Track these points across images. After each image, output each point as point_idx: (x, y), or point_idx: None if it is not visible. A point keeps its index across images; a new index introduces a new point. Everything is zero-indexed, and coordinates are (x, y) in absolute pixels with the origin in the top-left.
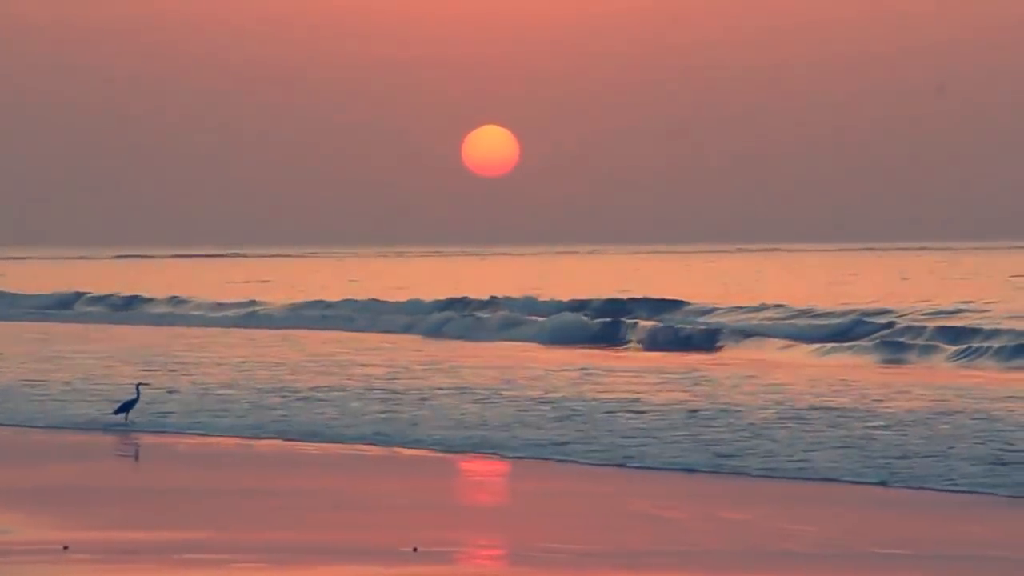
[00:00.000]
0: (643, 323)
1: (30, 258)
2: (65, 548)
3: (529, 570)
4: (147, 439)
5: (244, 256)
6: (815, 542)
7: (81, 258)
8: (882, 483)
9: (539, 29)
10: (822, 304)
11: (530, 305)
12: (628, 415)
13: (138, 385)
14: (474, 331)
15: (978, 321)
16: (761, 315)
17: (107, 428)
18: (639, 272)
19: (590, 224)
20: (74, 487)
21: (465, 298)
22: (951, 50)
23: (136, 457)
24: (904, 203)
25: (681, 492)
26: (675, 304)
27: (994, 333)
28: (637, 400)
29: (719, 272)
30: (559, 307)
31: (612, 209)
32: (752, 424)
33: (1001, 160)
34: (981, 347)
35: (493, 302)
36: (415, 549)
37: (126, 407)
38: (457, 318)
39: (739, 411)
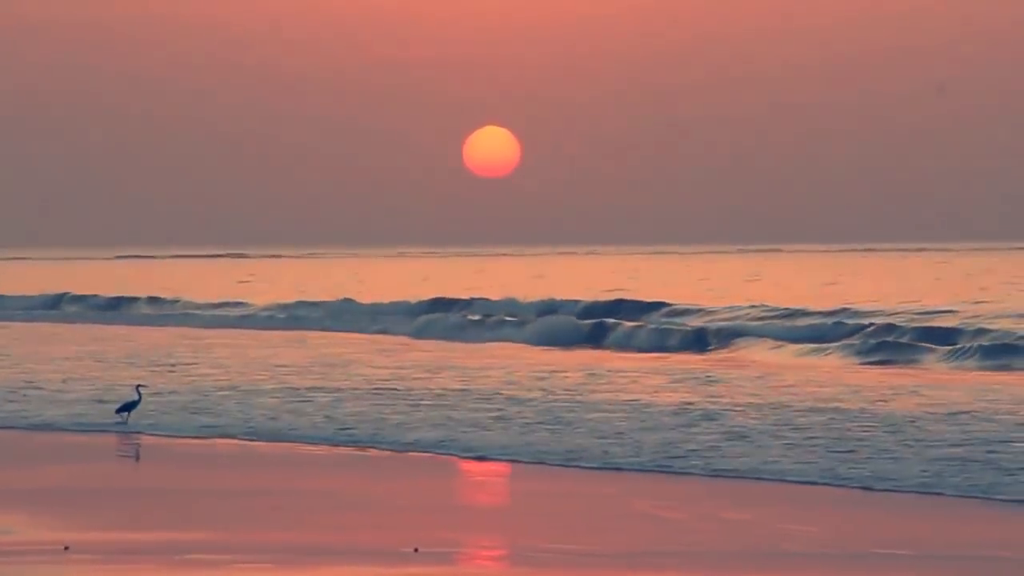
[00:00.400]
0: (631, 324)
1: (28, 259)
2: (66, 549)
3: (529, 570)
4: (147, 440)
5: (245, 256)
6: (814, 542)
7: (82, 259)
8: (866, 488)
9: (540, 30)
10: (813, 305)
11: (510, 307)
12: (613, 417)
13: (138, 387)
14: (464, 332)
15: (964, 322)
16: (751, 316)
17: (107, 429)
18: (636, 273)
19: (591, 225)
20: (75, 488)
21: (442, 299)
22: (951, 50)
23: (137, 458)
24: (905, 204)
25: (681, 493)
26: (662, 305)
27: (979, 333)
28: (621, 401)
29: (716, 273)
30: (538, 308)
31: (613, 210)
32: (740, 426)
33: (1002, 160)
34: (965, 348)
35: (472, 304)
36: (416, 549)
37: (128, 407)
38: (446, 319)
39: (723, 413)
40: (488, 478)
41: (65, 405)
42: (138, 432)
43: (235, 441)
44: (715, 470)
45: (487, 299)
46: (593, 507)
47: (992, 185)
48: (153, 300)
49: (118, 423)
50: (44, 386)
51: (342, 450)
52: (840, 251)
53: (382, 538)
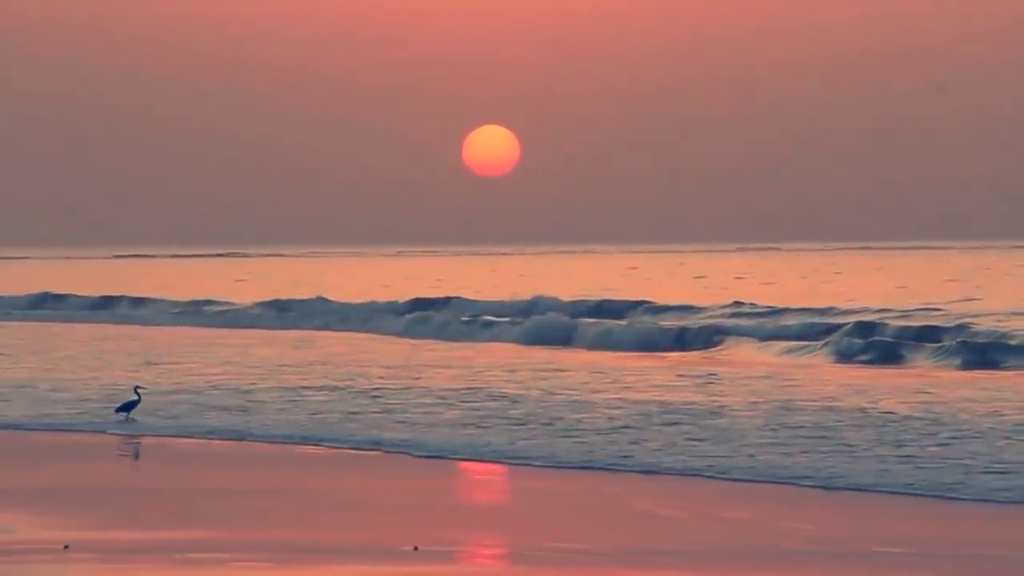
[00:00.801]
0: (616, 324)
1: (28, 258)
2: (66, 547)
3: (530, 569)
4: (147, 439)
5: (246, 256)
6: (815, 540)
7: (81, 258)
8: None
9: (540, 29)
10: (802, 303)
11: (493, 306)
12: (600, 417)
13: (136, 388)
14: (450, 332)
15: (951, 320)
16: (736, 315)
17: (107, 428)
18: (631, 272)
19: (591, 224)
20: (75, 487)
21: (427, 298)
22: (952, 49)
23: (136, 456)
24: (905, 202)
25: (682, 491)
26: (644, 303)
27: (965, 332)
28: (605, 401)
29: (712, 271)
30: (521, 308)
31: (613, 209)
32: (717, 426)
33: (1003, 159)
34: (948, 347)
35: (456, 304)
36: (416, 548)
37: (127, 407)
38: (433, 318)
39: (700, 412)
40: (487, 477)
41: (63, 404)
42: (137, 432)
43: (233, 440)
44: (694, 469)
45: (472, 299)
46: (592, 506)
47: (993, 184)
48: (137, 300)
49: (118, 422)
50: (38, 385)
51: (341, 449)
52: (839, 249)
53: (382, 536)
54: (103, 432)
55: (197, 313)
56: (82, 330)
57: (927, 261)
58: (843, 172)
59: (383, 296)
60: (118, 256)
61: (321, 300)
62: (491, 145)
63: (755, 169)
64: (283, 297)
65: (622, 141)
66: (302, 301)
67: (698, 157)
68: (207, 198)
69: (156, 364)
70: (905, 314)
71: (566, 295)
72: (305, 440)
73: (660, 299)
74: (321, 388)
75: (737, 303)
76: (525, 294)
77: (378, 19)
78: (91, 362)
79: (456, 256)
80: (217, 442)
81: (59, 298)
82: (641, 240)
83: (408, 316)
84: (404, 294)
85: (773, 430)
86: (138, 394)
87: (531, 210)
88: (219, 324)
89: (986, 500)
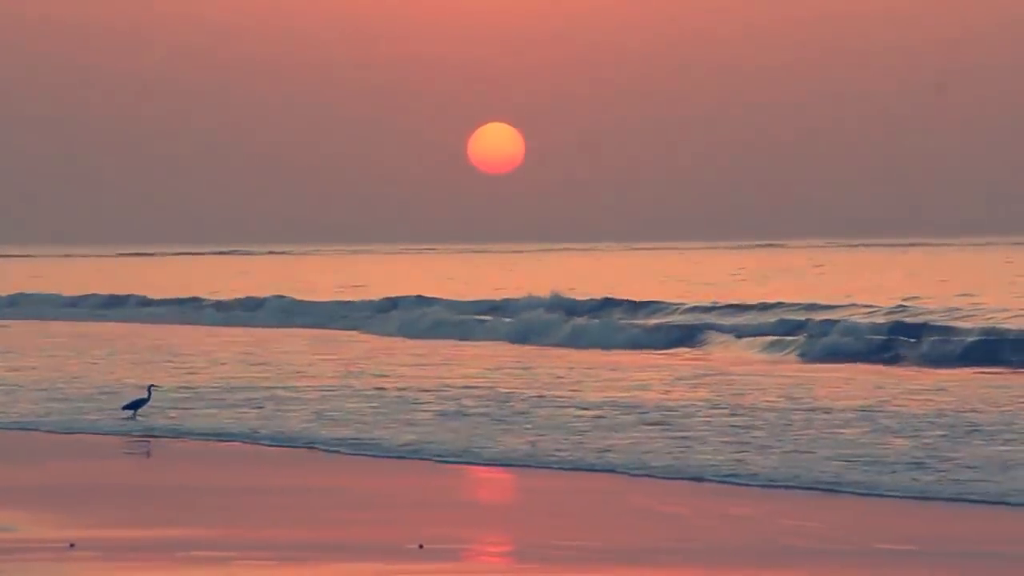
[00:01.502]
0: (600, 322)
1: (29, 256)
2: (71, 546)
3: (534, 566)
4: (150, 438)
5: (249, 253)
6: (818, 538)
7: (85, 256)
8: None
9: (544, 26)
10: (798, 300)
11: (469, 305)
12: (589, 415)
13: (150, 387)
14: (418, 329)
15: (934, 318)
16: (717, 313)
17: (113, 427)
18: (629, 269)
19: (595, 221)
20: (80, 485)
21: (405, 296)
22: (951, 48)
23: (148, 455)
24: (905, 200)
25: (684, 489)
26: (625, 302)
27: (948, 331)
28: (586, 400)
29: (711, 269)
30: (493, 306)
31: (617, 207)
32: (692, 426)
33: (1004, 157)
34: (930, 345)
35: (422, 301)
36: (420, 546)
37: (135, 405)
38: (409, 317)
39: (689, 410)
40: (491, 476)
41: (64, 402)
42: (143, 430)
43: (238, 439)
44: (689, 468)
45: (450, 298)
46: (597, 504)
47: (992, 183)
48: (115, 298)
49: (124, 420)
50: (36, 383)
51: (343, 448)
52: (841, 247)
53: (386, 534)
54: (109, 430)
55: (178, 310)
56: (68, 328)
57: (925, 258)
58: (844, 170)
59: (372, 295)
60: (120, 255)
61: (291, 299)
62: (496, 143)
63: (760, 167)
64: (256, 295)
65: (627, 139)
66: (268, 299)
67: (703, 155)
68: (208, 197)
69: (152, 362)
70: (895, 310)
71: (563, 292)
72: (303, 440)
73: (647, 297)
74: (318, 388)
75: (715, 302)
76: (512, 292)
77: (382, 17)
78: (87, 360)
79: (457, 254)
80: (220, 442)
81: (34, 296)
82: (646, 238)
83: (393, 315)
84: (394, 291)
85: (763, 430)
86: (150, 393)
87: (536, 208)
88: (193, 321)
89: (985, 500)
